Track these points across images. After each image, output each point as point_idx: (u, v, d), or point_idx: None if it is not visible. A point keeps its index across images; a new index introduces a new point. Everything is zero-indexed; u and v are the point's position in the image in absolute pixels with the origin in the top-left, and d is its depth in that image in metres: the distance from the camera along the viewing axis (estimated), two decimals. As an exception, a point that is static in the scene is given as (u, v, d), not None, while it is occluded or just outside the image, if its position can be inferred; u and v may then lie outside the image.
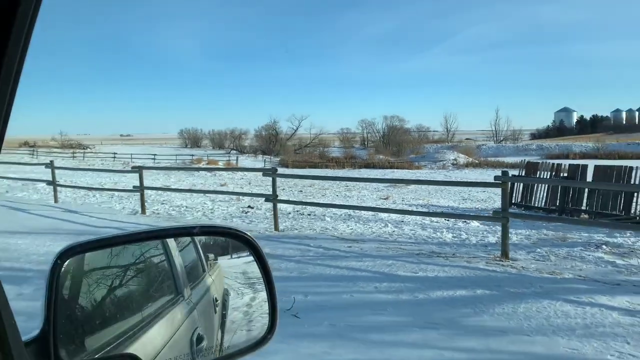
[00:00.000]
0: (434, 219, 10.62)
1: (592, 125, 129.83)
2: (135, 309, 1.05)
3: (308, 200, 14.04)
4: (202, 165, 40.81)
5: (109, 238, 1.05)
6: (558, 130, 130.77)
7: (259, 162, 60.15)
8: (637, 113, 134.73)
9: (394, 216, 10.93)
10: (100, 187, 17.48)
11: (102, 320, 0.99)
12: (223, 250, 1.37)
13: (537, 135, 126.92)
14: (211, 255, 1.39)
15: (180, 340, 1.13)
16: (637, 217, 12.53)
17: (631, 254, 7.04)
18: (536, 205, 16.02)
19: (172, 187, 18.95)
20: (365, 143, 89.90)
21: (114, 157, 44.18)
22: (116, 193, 15.60)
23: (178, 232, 1.30)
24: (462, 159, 55.45)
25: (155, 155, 47.54)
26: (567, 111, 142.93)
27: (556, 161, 18.55)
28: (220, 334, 1.26)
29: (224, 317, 1.29)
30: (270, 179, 9.19)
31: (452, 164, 52.89)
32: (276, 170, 9.07)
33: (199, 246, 1.38)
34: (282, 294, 4.72)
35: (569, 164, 15.98)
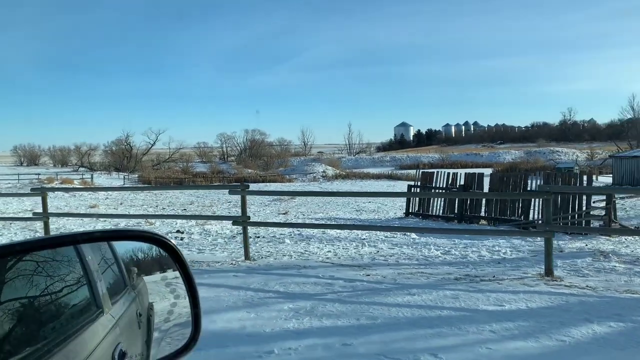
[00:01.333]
0: (396, 233, 9.82)
1: (427, 138, 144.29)
2: (48, 327, 0.96)
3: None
4: (56, 184, 35.12)
5: (4, 246, 0.94)
6: (399, 143, 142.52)
7: (115, 179, 54.62)
8: (463, 127, 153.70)
9: (356, 233, 9.88)
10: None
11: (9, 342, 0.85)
12: (149, 265, 1.33)
13: (383, 147, 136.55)
14: (134, 269, 1.35)
15: (100, 357, 1.06)
16: (536, 222, 13.18)
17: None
18: (434, 213, 16.31)
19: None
20: (225, 157, 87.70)
21: None
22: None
23: (89, 238, 1.20)
24: (331, 171, 56.71)
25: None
26: (405, 126, 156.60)
27: (451, 170, 19.28)
28: (145, 348, 1.26)
29: (149, 330, 1.29)
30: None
31: (322, 176, 53.73)
32: (248, 186, 7.41)
33: (119, 259, 1.32)
34: (400, 354, 3.41)
35: (466, 173, 16.53)
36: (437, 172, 17.06)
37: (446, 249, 8.50)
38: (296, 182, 49.33)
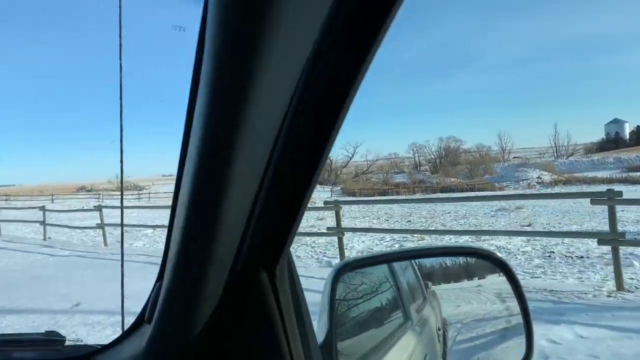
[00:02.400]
0: None
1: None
2: (378, 328, 1.16)
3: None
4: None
5: (376, 256, 1.21)
6: (614, 142, 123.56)
7: (320, 191, 57.20)
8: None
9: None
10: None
11: (352, 333, 1.09)
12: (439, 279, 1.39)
13: (594, 148, 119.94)
14: (429, 283, 1.41)
15: None
16: None
17: None
18: None
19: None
20: (418, 167, 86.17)
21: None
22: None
23: (439, 252, 1.30)
24: (547, 176, 50.97)
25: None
26: (618, 122, 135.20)
27: None
28: None
29: (445, 346, 1.33)
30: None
31: (538, 182, 48.50)
32: (620, 193, 5.56)
33: (418, 273, 1.40)
34: None
35: None
36: None
37: None
38: (508, 189, 45.25)
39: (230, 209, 0.71)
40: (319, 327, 0.97)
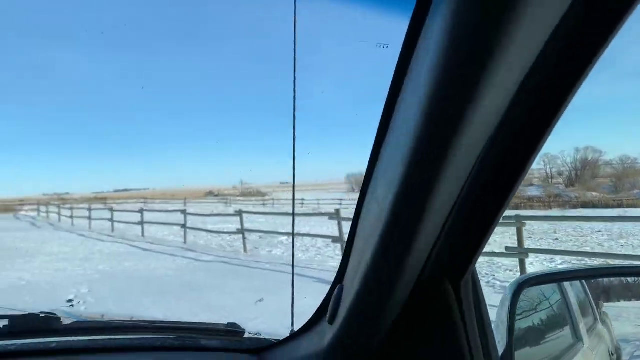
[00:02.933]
0: None
1: None
2: (547, 344, 1.10)
3: None
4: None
5: (558, 273, 1.23)
6: None
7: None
8: None
9: None
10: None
11: (523, 347, 1.03)
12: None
13: None
14: (601, 303, 1.31)
15: None
16: None
17: None
18: None
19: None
20: (550, 179, 79.28)
21: (302, 203, 42.24)
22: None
23: (627, 272, 1.26)
24: None
25: (341, 200, 44.78)
26: None
27: None
28: None
29: None
30: None
31: None
32: None
33: (587, 290, 1.31)
34: None
35: None
36: None
37: None
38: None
39: (428, 218, 0.69)
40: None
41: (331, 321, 0.92)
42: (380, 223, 0.72)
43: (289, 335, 1.24)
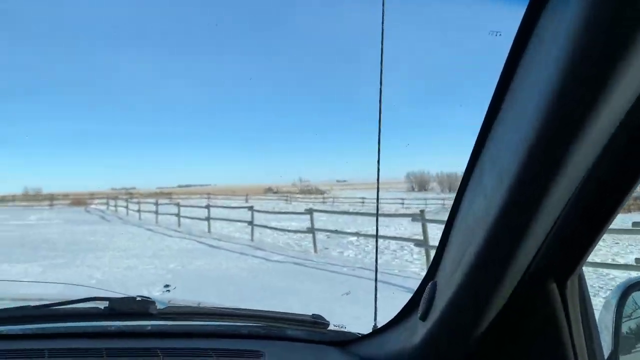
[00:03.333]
0: None
1: None
2: None
3: None
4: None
5: None
6: None
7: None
8: None
9: None
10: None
11: (633, 352, 0.97)
12: None
13: None
14: None
15: None
16: None
17: None
18: None
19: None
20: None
21: (363, 202, 41.51)
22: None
23: None
24: None
25: (403, 199, 43.64)
26: None
27: None
28: None
29: None
30: None
31: None
32: None
33: None
34: None
35: None
36: None
37: None
38: None
39: (542, 211, 0.65)
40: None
41: (424, 317, 0.89)
42: (488, 217, 0.69)
43: (374, 330, 1.25)
